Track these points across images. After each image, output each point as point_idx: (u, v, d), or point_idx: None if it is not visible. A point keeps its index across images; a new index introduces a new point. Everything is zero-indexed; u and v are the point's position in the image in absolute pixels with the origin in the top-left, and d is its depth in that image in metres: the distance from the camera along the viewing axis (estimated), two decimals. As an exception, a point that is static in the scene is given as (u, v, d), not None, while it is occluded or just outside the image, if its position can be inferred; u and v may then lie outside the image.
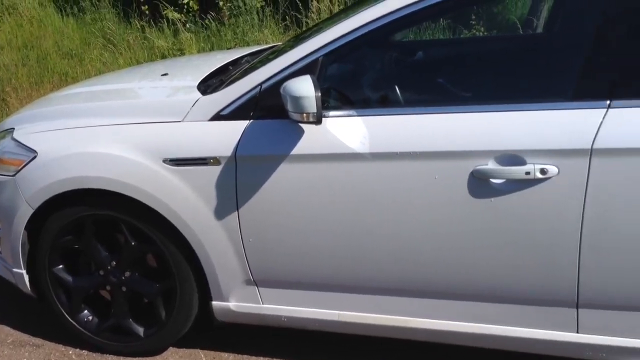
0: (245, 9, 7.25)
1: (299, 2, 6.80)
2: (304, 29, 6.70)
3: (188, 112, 2.24)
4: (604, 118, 1.82)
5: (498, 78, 2.30)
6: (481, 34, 5.65)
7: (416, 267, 2.09)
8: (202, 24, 7.36)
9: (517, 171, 1.88)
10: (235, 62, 2.89)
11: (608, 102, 1.83)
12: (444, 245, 2.03)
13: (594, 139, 1.81)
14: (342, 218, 2.09)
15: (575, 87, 1.91)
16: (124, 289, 2.48)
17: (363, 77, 2.40)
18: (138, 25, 7.41)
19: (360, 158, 2.01)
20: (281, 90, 1.97)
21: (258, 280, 2.28)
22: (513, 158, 1.88)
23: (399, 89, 2.19)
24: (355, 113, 2.07)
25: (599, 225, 1.86)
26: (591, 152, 1.81)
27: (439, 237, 2.02)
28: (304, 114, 1.94)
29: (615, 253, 1.88)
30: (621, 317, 1.97)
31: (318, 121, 1.95)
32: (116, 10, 7.69)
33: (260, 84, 2.15)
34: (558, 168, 1.85)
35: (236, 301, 2.34)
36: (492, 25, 6.16)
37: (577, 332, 2.03)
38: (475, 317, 2.11)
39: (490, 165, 1.90)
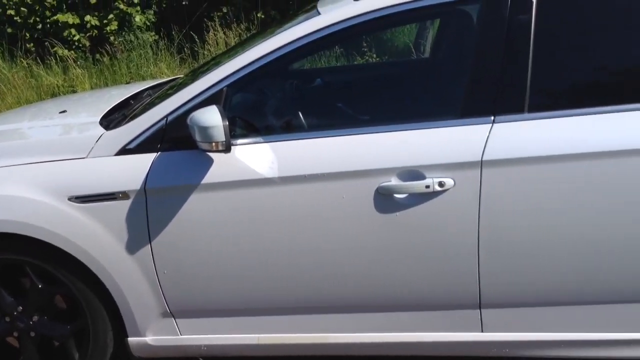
0: (139, 42, 7.19)
1: (194, 35, 6.83)
2: (201, 61, 6.73)
3: (92, 147, 2.22)
4: (490, 132, 2.00)
5: (395, 100, 2.45)
6: (373, 60, 5.94)
7: (330, 284, 2.16)
8: (93, 59, 7.21)
9: (418, 185, 2.01)
10: (136, 97, 2.88)
11: (492, 117, 2.02)
12: (355, 261, 2.12)
13: (483, 151, 1.98)
14: (256, 242, 2.14)
15: (463, 105, 2.08)
16: (32, 334, 2.38)
17: (267, 105, 2.48)
18: (25, 64, 7.13)
19: (270, 183, 2.08)
20: (188, 121, 2.01)
21: (175, 312, 2.27)
22: (414, 173, 2.02)
23: (303, 114, 2.28)
24: (262, 140, 2.14)
25: (494, 230, 2.02)
26: (481, 164, 1.98)
27: (351, 253, 2.11)
28: (213, 143, 1.98)
29: (510, 255, 2.05)
30: (520, 313, 2.14)
31: (227, 149, 2.00)
32: (0, 49, 7.36)
33: (166, 116, 2.17)
34: (454, 180, 2.00)
35: (153, 335, 2.31)
36: (383, 52, 6.49)
37: (482, 332, 2.18)
38: (389, 327, 2.21)
39: (394, 181, 2.03)
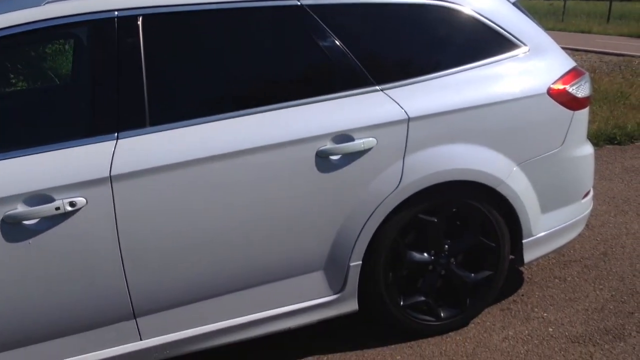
0: None
1: None
2: None
3: None
4: (115, 148, 2.09)
5: (19, 126, 2.37)
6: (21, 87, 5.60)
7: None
8: None
9: (47, 209, 1.99)
10: None
11: (116, 134, 2.11)
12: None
13: (110, 167, 2.06)
14: None
15: (89, 124, 2.13)
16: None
17: None
18: None
19: None
20: None
21: None
22: (41, 197, 1.99)
23: None
24: None
25: (133, 240, 2.11)
26: (111, 179, 2.06)
27: None
28: None
29: (152, 262, 2.16)
30: (172, 314, 2.27)
31: None
32: None
33: None
34: (86, 199, 2.04)
35: None
36: (40, 80, 6.16)
37: (141, 339, 2.25)
38: (48, 356, 2.14)
39: (20, 208, 1.97)
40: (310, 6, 2.38)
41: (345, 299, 2.50)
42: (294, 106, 2.32)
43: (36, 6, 2.10)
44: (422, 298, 2.67)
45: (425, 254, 2.62)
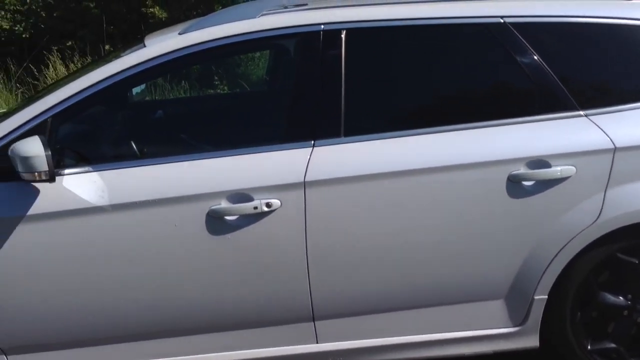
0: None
1: (33, 68, 6.56)
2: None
3: None
4: (311, 155, 2.17)
5: (225, 128, 2.57)
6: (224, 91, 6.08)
7: (168, 310, 2.20)
8: None
9: (247, 207, 2.12)
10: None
11: (313, 142, 2.19)
12: (192, 285, 2.17)
13: (305, 173, 2.14)
14: (88, 273, 2.12)
15: (287, 131, 2.25)
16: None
17: (100, 134, 2.48)
18: None
19: (101, 211, 2.09)
20: (9, 153, 1.98)
21: (6, 349, 2.18)
22: (242, 196, 2.12)
23: (135, 143, 2.31)
24: (91, 169, 2.15)
25: (320, 246, 2.17)
26: (305, 185, 2.14)
27: (187, 277, 2.17)
28: (36, 173, 1.96)
29: (337, 269, 2.21)
30: (352, 322, 2.29)
31: (51, 179, 1.99)
32: None
33: (-13, 149, 2.12)
34: (281, 201, 2.13)
35: None
36: (236, 85, 6.65)
37: (317, 343, 2.31)
38: (226, 347, 2.27)
39: (223, 204, 2.12)
40: (514, 24, 2.29)
41: (525, 333, 2.36)
42: (488, 126, 2.24)
43: (251, 18, 2.25)
44: (613, 345, 2.42)
45: (621, 297, 2.38)
